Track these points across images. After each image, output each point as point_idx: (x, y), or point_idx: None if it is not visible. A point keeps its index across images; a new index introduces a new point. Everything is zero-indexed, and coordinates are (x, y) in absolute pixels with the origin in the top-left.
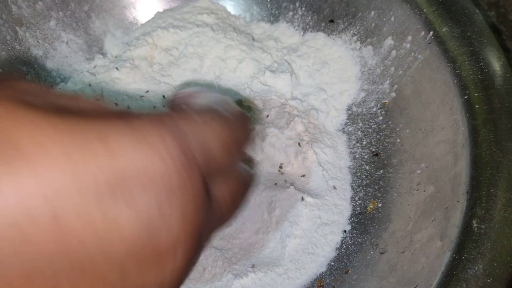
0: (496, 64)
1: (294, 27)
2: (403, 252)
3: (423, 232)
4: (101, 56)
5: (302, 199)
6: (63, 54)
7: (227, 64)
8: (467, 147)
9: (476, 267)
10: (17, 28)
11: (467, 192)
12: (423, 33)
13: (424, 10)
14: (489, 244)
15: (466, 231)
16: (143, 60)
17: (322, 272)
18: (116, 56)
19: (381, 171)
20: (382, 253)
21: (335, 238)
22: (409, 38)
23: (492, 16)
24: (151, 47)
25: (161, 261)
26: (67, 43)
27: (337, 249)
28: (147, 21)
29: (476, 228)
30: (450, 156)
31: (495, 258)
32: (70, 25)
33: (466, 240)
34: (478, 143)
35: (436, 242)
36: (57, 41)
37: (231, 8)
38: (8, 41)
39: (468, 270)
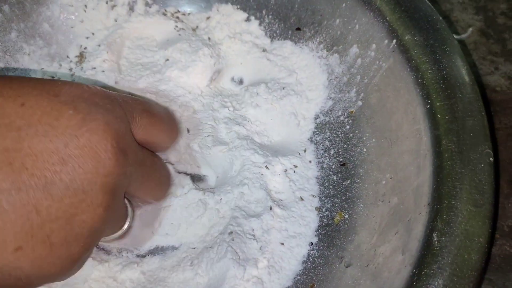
0: (459, 73)
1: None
2: (367, 266)
3: (387, 245)
4: (64, 65)
5: (271, 208)
6: (25, 66)
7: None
8: (430, 158)
9: (436, 283)
10: None
11: (429, 204)
12: (386, 41)
13: (387, 18)
14: (449, 259)
15: (426, 245)
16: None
17: (288, 287)
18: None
19: (348, 181)
20: (347, 267)
21: (302, 251)
22: (373, 46)
23: (480, 20)
24: (113, 55)
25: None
26: (29, 54)
27: (303, 262)
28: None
29: (436, 242)
30: (413, 166)
31: (456, 273)
32: (32, 37)
33: (427, 254)
34: (440, 153)
35: (398, 256)
36: (19, 53)
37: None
38: None
39: (428, 285)
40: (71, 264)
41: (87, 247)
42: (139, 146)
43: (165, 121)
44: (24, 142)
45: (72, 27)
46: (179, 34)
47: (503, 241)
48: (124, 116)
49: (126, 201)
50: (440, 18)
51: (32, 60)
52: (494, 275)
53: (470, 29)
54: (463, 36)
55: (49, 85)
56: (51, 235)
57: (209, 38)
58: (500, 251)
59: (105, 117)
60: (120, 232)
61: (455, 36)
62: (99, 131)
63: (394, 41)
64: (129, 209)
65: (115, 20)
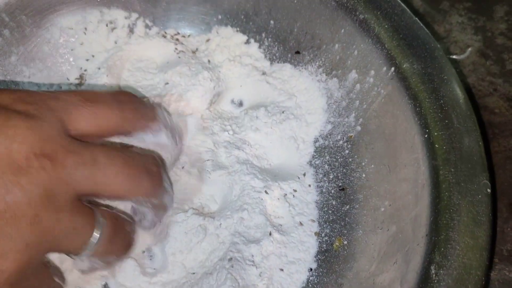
0: (456, 102)
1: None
2: None
3: (385, 275)
4: (64, 87)
5: (270, 233)
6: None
7: None
8: (427, 188)
9: None
10: None
11: (427, 235)
12: (385, 68)
13: (386, 45)
14: None
15: (424, 277)
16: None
17: None
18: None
19: (347, 207)
20: None
21: (301, 277)
22: (372, 72)
23: (478, 40)
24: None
25: None
26: (29, 77)
27: None
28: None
29: (434, 275)
30: (411, 195)
31: None
32: (32, 60)
33: (424, 287)
34: (438, 184)
35: (396, 287)
36: (19, 76)
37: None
38: None
39: None
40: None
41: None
42: (85, 143)
43: (113, 104)
44: None
45: (72, 50)
46: (179, 57)
47: (502, 265)
48: (52, 117)
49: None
50: (438, 45)
51: (32, 83)
52: None
53: (469, 49)
54: (462, 56)
55: None
56: None
57: (209, 61)
58: (499, 275)
59: (26, 122)
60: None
61: (454, 57)
62: (18, 135)
63: (393, 68)
64: (97, 215)
65: (115, 42)
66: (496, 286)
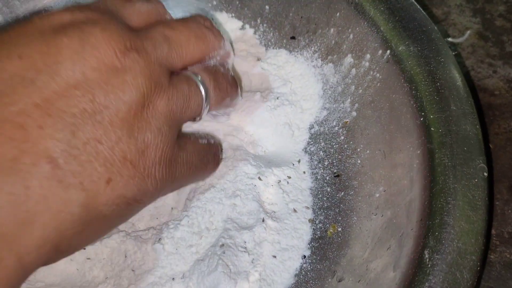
0: (453, 84)
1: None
2: (358, 281)
3: (378, 260)
4: None
5: (263, 220)
6: None
7: None
8: (422, 172)
9: None
10: None
11: (421, 219)
12: (380, 51)
13: (381, 28)
14: (440, 277)
15: (417, 262)
16: None
17: None
18: None
19: (342, 193)
20: (339, 281)
21: (294, 264)
22: (368, 56)
23: (477, 23)
24: None
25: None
26: None
27: (295, 275)
28: None
29: (427, 259)
30: (406, 180)
31: None
32: None
33: (418, 272)
34: (433, 167)
35: (389, 272)
36: None
37: None
38: None
39: None
40: (165, 169)
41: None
42: (146, 28)
43: None
44: (47, 90)
45: None
46: None
47: (503, 248)
48: (112, 15)
49: None
50: (435, 27)
51: None
52: (494, 283)
53: (468, 32)
54: (461, 39)
55: (30, 26)
56: (126, 157)
57: None
58: (500, 258)
59: (98, 27)
60: None
61: (452, 40)
62: (102, 43)
63: (388, 51)
64: (191, 75)
65: None
66: (497, 269)
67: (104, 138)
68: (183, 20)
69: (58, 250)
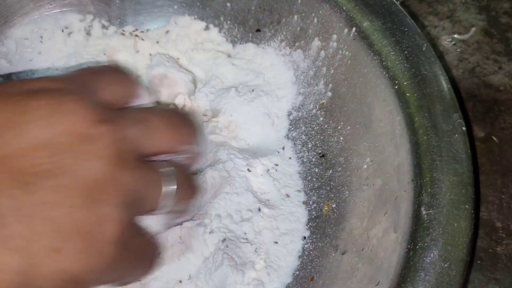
0: (420, 50)
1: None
2: (362, 250)
3: (378, 226)
4: None
5: (259, 209)
6: None
7: None
8: (405, 136)
9: (432, 254)
10: None
11: (412, 180)
12: (346, 30)
13: (344, 8)
14: (440, 229)
15: (416, 219)
16: None
17: (288, 283)
18: None
19: (330, 171)
20: (343, 254)
21: (296, 246)
22: (334, 36)
23: (482, 20)
24: None
25: None
26: None
27: (299, 257)
28: None
29: (425, 215)
30: (391, 147)
31: (448, 241)
32: None
33: (418, 229)
34: (415, 130)
35: (390, 235)
36: None
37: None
38: None
39: (425, 258)
40: (117, 249)
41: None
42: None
43: (115, 75)
44: (10, 147)
45: (30, 60)
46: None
47: (509, 240)
48: (85, 86)
49: None
50: (394, 1)
51: None
52: (501, 275)
53: (473, 28)
54: (466, 36)
55: (1, 88)
56: (80, 225)
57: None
58: (507, 250)
59: (68, 95)
60: None
61: (458, 37)
62: (71, 109)
63: (354, 29)
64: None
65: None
66: (504, 261)
67: (60, 203)
68: (159, 109)
69: None
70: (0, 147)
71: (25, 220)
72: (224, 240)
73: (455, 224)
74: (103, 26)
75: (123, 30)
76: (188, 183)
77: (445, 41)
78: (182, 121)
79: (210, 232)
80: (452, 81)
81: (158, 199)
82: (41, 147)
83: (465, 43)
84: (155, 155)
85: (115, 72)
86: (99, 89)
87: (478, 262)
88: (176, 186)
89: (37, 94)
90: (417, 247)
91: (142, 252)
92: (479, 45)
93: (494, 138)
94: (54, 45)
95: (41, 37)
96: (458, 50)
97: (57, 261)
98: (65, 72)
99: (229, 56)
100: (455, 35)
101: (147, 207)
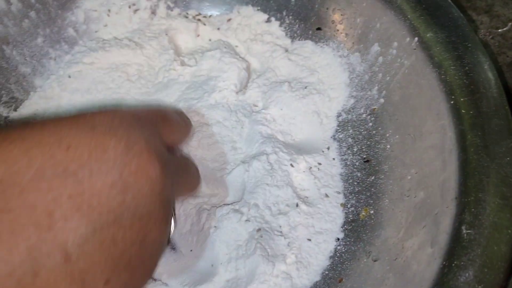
0: (481, 68)
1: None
2: (395, 259)
3: (414, 239)
4: None
5: (297, 205)
6: (51, 71)
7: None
8: (455, 152)
9: (467, 274)
10: (4, 47)
11: (456, 197)
12: (408, 39)
13: (409, 16)
14: (479, 250)
15: (455, 237)
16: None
17: (316, 282)
18: None
19: (373, 178)
20: (375, 261)
21: (329, 246)
22: (395, 44)
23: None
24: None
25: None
26: (54, 59)
27: (330, 257)
28: None
29: (465, 234)
30: (438, 161)
31: (486, 264)
32: (58, 42)
33: (456, 247)
34: (466, 148)
35: (427, 249)
36: (45, 57)
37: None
38: None
39: (459, 277)
40: (148, 278)
41: (158, 260)
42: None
43: (180, 123)
44: (83, 185)
45: (95, 31)
46: (210, 45)
47: None
48: (155, 130)
49: None
50: (461, 15)
51: (58, 64)
52: None
53: (510, 23)
54: (504, 30)
55: (82, 120)
56: (130, 261)
57: (236, 46)
58: None
59: (143, 137)
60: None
61: (496, 30)
62: (144, 152)
63: (416, 39)
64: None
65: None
66: None
67: (121, 240)
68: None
69: None
70: (77, 184)
71: (87, 256)
72: (259, 230)
73: (495, 247)
74: (168, 7)
75: (186, 13)
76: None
77: (483, 36)
78: (182, 120)
79: (246, 220)
80: None
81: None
82: (111, 187)
83: (502, 37)
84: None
85: (177, 120)
86: (163, 134)
87: None
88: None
89: (116, 131)
90: (453, 264)
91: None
92: None
93: None
94: (119, 20)
95: (109, 10)
96: (496, 44)
97: None
98: (136, 109)
99: (286, 51)
100: (493, 30)
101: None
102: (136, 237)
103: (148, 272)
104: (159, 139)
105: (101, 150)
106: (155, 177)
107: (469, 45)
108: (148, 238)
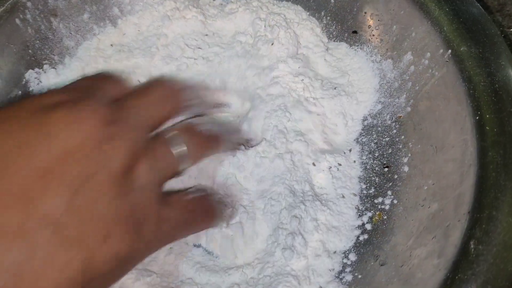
0: (511, 87)
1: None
2: (401, 266)
3: (423, 248)
4: None
5: (312, 202)
6: (94, 46)
7: None
8: (474, 168)
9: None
10: (52, 19)
11: (469, 212)
12: (441, 50)
13: (445, 28)
14: (484, 266)
15: (463, 251)
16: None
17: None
18: None
19: (390, 184)
20: (381, 265)
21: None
22: (428, 54)
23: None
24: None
25: None
26: (98, 34)
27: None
28: None
29: (473, 249)
30: (456, 175)
31: (489, 280)
32: (102, 19)
33: (462, 260)
34: (485, 164)
35: (433, 259)
36: (89, 33)
37: None
38: (42, 31)
39: None
40: (152, 226)
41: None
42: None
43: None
44: (47, 158)
45: (138, 11)
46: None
47: None
48: (92, 92)
49: None
50: (498, 32)
51: (101, 41)
52: None
53: None
54: None
55: (21, 106)
56: (119, 213)
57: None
58: None
59: (81, 104)
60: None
61: (508, 30)
62: (87, 116)
63: (449, 51)
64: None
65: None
66: None
67: (101, 197)
68: (144, 88)
69: None
70: (39, 159)
71: (75, 218)
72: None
73: (502, 266)
74: None
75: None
76: (198, 138)
77: None
78: (169, 90)
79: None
80: None
81: (176, 163)
82: (71, 153)
83: None
84: (161, 123)
85: (106, 78)
86: (102, 90)
87: None
88: (185, 147)
89: (56, 107)
90: (457, 277)
91: (183, 216)
92: None
93: None
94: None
95: None
96: (508, 43)
97: (108, 247)
98: (69, 84)
99: (327, 49)
100: (505, 29)
101: (169, 174)
102: (114, 192)
103: (140, 223)
104: (100, 98)
105: (48, 126)
106: (109, 134)
107: (502, 63)
108: (126, 190)
